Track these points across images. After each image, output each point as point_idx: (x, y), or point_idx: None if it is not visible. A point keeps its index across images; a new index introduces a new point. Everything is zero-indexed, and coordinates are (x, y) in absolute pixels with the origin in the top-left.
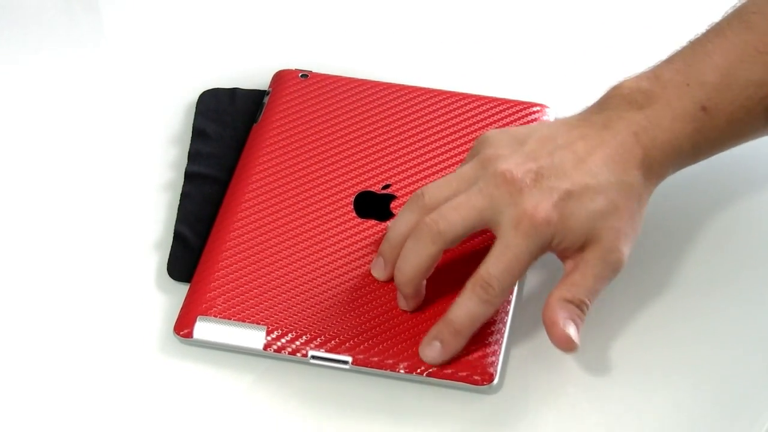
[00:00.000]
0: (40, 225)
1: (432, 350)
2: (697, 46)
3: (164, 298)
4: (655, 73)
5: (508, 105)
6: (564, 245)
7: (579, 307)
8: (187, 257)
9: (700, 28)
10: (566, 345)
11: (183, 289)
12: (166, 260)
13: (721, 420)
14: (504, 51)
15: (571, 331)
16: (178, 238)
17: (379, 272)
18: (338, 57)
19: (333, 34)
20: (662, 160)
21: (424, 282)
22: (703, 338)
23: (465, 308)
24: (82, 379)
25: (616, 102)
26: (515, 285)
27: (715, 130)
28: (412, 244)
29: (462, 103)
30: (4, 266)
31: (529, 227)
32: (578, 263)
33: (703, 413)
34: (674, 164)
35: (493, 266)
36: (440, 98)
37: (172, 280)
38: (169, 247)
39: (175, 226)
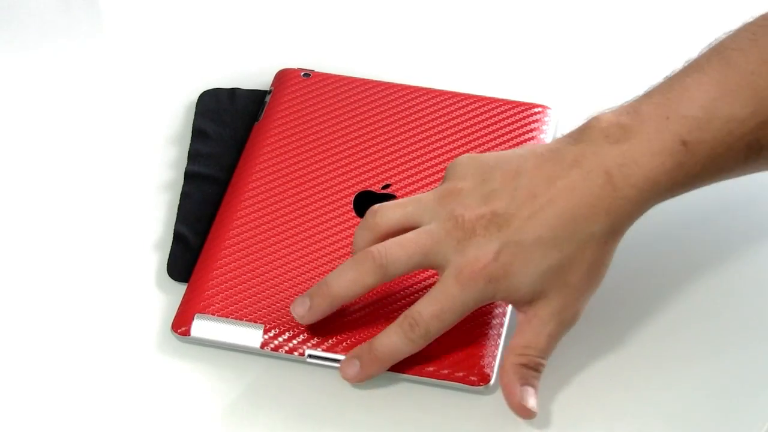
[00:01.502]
0: (39, 225)
1: (351, 368)
2: (675, 80)
3: (164, 297)
4: (634, 107)
5: (509, 106)
6: (511, 299)
7: (535, 368)
8: (186, 257)
9: (698, 29)
10: (524, 414)
11: (183, 289)
12: (166, 260)
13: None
14: (506, 51)
15: (530, 400)
16: (178, 238)
17: None
18: (340, 56)
19: (335, 33)
20: (637, 199)
21: None
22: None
23: (389, 340)
24: (81, 377)
25: (593, 135)
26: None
27: (695, 166)
28: (352, 268)
29: (464, 103)
30: (4, 266)
31: (468, 279)
32: (531, 318)
33: (703, 413)
34: (651, 200)
35: (425, 308)
36: (442, 99)
37: (171, 280)
38: (169, 247)
39: (175, 226)
